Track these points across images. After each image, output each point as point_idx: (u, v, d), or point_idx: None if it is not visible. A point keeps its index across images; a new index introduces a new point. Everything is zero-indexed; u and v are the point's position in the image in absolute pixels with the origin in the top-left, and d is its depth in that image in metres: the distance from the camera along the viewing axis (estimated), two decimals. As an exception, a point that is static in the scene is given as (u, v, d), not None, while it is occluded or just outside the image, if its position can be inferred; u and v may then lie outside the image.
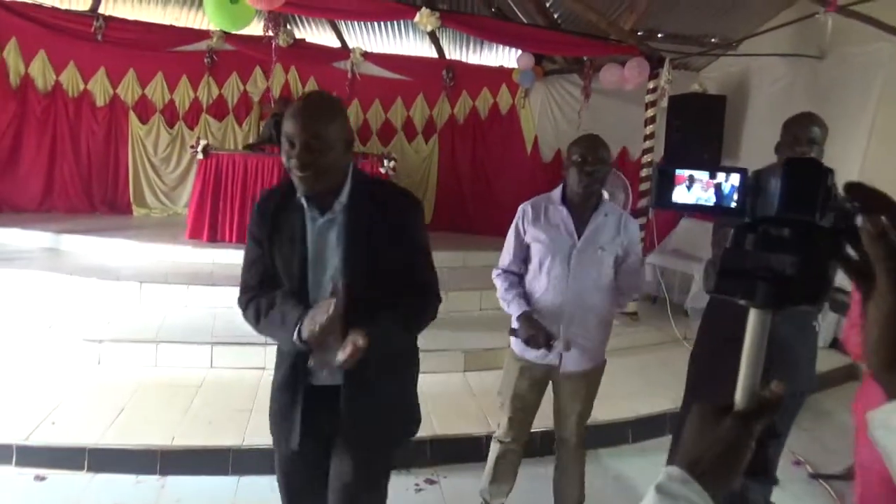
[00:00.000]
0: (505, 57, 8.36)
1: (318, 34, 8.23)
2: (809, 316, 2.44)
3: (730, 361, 2.64)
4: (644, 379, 4.44)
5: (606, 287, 2.57)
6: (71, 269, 5.25)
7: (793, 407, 2.47)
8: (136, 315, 4.71)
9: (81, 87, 7.28)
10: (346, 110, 1.84)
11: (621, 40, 5.89)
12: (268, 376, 3.97)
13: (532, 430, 2.84)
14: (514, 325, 2.55)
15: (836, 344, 5.21)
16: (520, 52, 7.62)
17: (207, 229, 6.18)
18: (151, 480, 3.05)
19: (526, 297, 2.58)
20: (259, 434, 3.30)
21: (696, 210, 0.70)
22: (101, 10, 7.21)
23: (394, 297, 1.78)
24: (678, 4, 6.25)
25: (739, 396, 0.69)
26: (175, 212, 7.57)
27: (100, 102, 7.35)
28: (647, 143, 5.83)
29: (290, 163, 1.69)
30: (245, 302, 1.90)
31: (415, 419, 2.07)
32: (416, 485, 3.24)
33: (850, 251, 0.61)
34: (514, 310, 2.56)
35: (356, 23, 7.87)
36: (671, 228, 6.77)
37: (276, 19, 6.83)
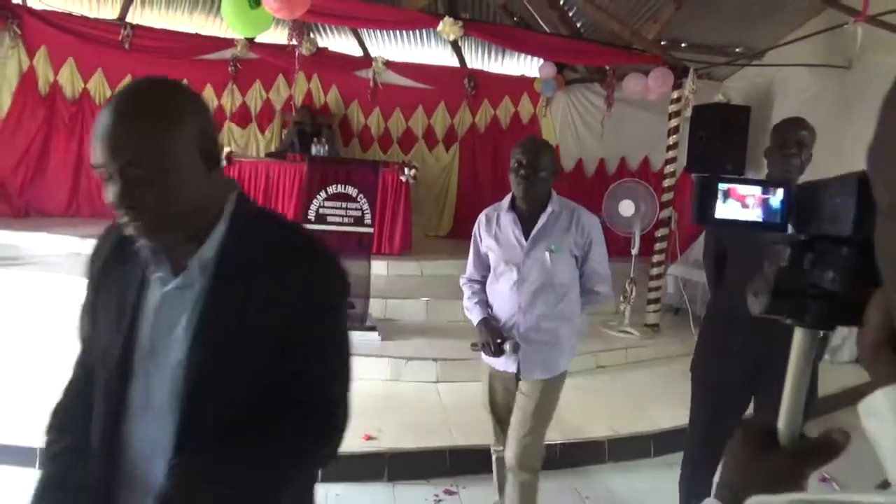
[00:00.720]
0: (526, 66, 8.36)
1: (340, 42, 8.29)
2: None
3: (720, 373, 2.59)
4: (666, 391, 4.38)
5: (564, 291, 2.48)
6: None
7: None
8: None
9: (108, 94, 7.38)
10: (195, 99, 1.13)
11: (645, 50, 5.85)
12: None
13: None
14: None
15: (861, 360, 5.11)
16: (541, 61, 7.62)
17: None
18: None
19: (487, 303, 2.58)
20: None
21: (742, 227, 0.67)
22: (128, 19, 7.32)
23: (258, 421, 1.06)
24: (702, 14, 6.21)
25: (783, 424, 0.66)
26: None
27: (126, 109, 7.45)
28: (670, 154, 5.79)
29: (110, 203, 1.05)
30: (46, 444, 1.24)
31: None
32: (436, 496, 3.22)
33: None
34: (474, 317, 2.55)
35: (379, 31, 7.92)
36: (693, 239, 6.70)
37: (300, 28, 6.90)
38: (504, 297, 2.50)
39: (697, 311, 5.80)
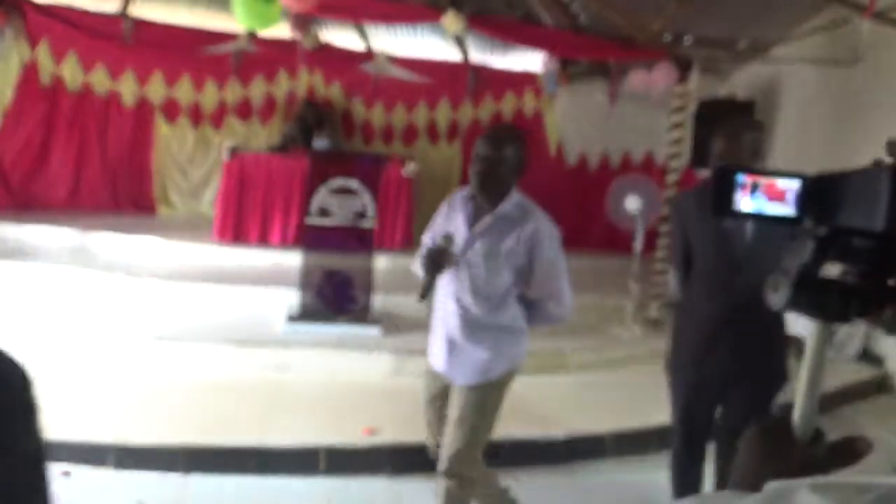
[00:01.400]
0: (530, 61, 8.32)
1: (343, 37, 8.25)
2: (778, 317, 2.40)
3: (689, 371, 2.58)
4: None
5: (500, 298, 2.30)
6: (97, 265, 5.31)
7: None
8: (160, 313, 4.75)
9: (110, 87, 7.38)
10: None
11: (649, 44, 5.82)
12: (290, 375, 4.00)
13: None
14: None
15: (866, 355, 5.10)
16: (545, 55, 7.58)
17: (232, 229, 6.22)
18: (175, 478, 3.07)
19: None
20: (282, 432, 3.31)
21: (762, 220, 0.65)
22: (130, 12, 7.30)
23: None
24: (707, 8, 6.18)
25: (798, 418, 0.65)
26: (199, 211, 7.63)
27: (127, 103, 7.44)
28: (674, 149, 5.76)
29: None
30: None
31: None
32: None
33: None
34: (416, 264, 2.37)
35: (381, 26, 7.89)
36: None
37: (303, 22, 6.88)
38: (444, 288, 2.37)
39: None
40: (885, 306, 0.63)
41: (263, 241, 6.19)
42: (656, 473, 3.50)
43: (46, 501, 0.80)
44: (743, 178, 0.65)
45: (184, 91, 7.63)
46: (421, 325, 5.08)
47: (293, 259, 5.10)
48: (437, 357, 2.41)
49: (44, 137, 7.11)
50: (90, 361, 4.00)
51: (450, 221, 2.39)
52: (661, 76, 5.98)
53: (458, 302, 2.31)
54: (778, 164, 6.27)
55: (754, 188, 0.65)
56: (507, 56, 8.40)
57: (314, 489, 3.08)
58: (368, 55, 8.09)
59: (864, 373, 4.81)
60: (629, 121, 7.34)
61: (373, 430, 3.34)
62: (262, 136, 7.89)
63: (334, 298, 4.77)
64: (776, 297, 0.62)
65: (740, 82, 7.11)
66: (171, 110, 7.61)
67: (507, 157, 2.24)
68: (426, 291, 2.25)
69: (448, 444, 2.35)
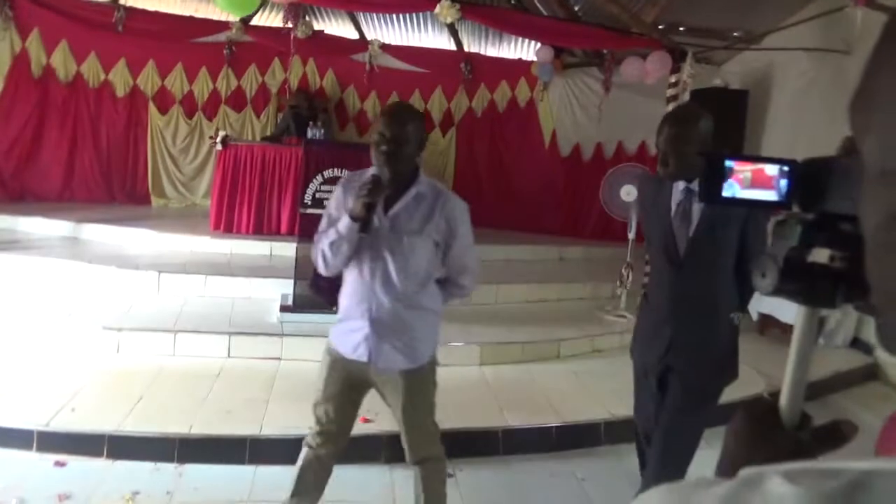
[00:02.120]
0: (524, 50, 8.31)
1: (336, 26, 8.22)
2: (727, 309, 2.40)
3: (641, 355, 2.59)
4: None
5: (421, 279, 2.24)
6: (91, 257, 5.29)
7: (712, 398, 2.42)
8: (155, 304, 4.74)
9: (102, 77, 7.33)
10: None
11: (643, 33, 5.81)
12: (284, 366, 4.01)
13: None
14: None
15: (856, 343, 5.14)
16: (539, 44, 7.57)
17: (225, 220, 6.21)
18: (169, 468, 3.07)
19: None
20: (276, 423, 3.32)
21: (751, 206, 0.66)
22: (121, 1, 7.24)
23: None
24: (701, -3, 6.17)
25: (785, 403, 0.65)
26: (193, 202, 7.61)
27: (120, 93, 7.40)
28: (668, 138, 5.76)
29: None
30: None
31: None
32: (432, 477, 3.23)
33: None
34: (342, 222, 2.16)
35: (375, 14, 7.85)
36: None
37: (296, 11, 6.84)
38: (360, 273, 2.23)
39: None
40: (871, 291, 0.63)
41: (257, 231, 6.19)
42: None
43: None
44: (731, 164, 0.66)
45: (176, 81, 7.59)
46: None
47: (287, 249, 5.09)
48: (357, 344, 2.24)
49: (36, 129, 7.07)
50: (83, 352, 4.00)
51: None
52: (654, 66, 5.98)
53: (385, 284, 2.21)
54: (772, 152, 6.29)
55: (740, 174, 0.65)
56: (502, 45, 8.39)
57: (309, 478, 3.08)
58: (363, 44, 8.05)
59: (854, 360, 4.84)
60: (623, 110, 7.34)
61: (367, 419, 3.35)
62: (255, 127, 7.86)
63: (328, 289, 4.76)
64: (764, 283, 0.63)
65: (734, 71, 7.11)
66: (163, 100, 7.57)
67: (412, 133, 2.19)
68: (368, 224, 2.16)
69: (408, 435, 2.35)
